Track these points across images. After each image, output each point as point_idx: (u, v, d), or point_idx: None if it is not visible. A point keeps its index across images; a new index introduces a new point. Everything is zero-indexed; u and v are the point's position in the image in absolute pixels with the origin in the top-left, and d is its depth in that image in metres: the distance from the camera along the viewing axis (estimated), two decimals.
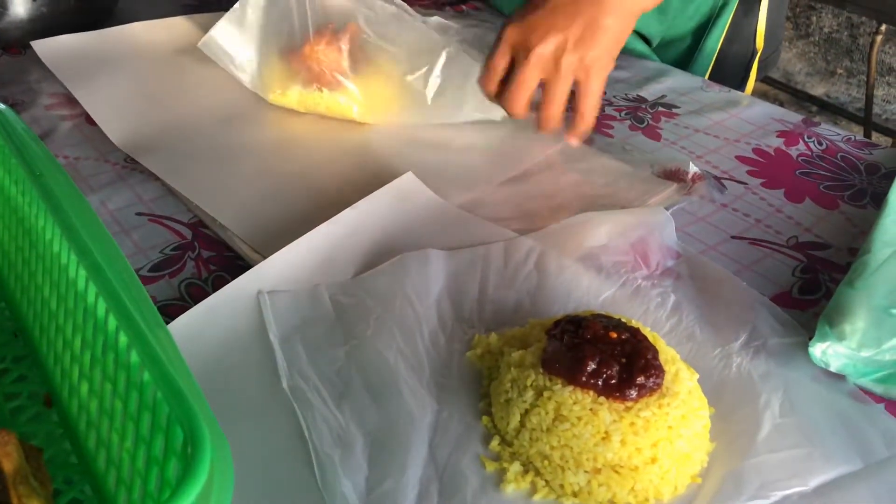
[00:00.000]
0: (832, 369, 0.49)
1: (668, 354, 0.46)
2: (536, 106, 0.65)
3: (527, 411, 0.44)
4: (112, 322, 0.35)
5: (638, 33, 0.93)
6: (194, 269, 0.57)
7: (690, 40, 0.95)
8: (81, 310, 0.38)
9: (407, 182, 0.64)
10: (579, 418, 0.42)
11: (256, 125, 0.75)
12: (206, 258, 0.58)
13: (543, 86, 0.65)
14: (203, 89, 0.80)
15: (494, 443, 0.45)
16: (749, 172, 0.70)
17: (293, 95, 0.73)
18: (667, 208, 0.62)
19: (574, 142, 0.67)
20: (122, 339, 0.34)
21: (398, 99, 0.74)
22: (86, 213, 0.41)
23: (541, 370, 0.45)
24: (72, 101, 0.76)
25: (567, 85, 0.63)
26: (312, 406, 0.46)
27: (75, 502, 0.40)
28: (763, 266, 0.59)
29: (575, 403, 0.43)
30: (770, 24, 0.97)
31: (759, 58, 0.99)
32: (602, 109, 0.80)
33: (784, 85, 2.14)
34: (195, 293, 0.55)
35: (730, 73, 0.95)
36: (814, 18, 2.17)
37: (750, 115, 0.79)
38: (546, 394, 0.43)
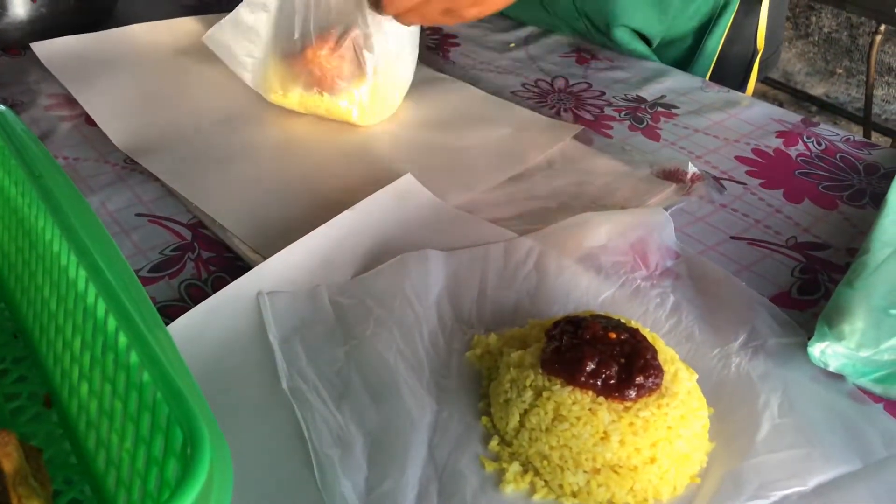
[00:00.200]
0: (831, 369, 0.49)
1: (668, 354, 0.46)
2: None
3: (526, 411, 0.44)
4: (112, 323, 0.35)
5: (638, 33, 0.93)
6: (194, 270, 0.57)
7: (691, 40, 0.95)
8: (81, 310, 0.38)
9: (406, 183, 0.64)
10: (578, 418, 0.42)
11: (256, 126, 0.75)
12: (206, 259, 0.59)
13: None
14: (203, 90, 0.80)
15: (494, 443, 0.45)
16: (748, 173, 0.70)
17: (294, 97, 0.74)
18: (666, 208, 0.62)
19: None
20: (122, 339, 0.34)
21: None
22: (85, 213, 0.41)
23: (540, 370, 0.45)
24: (71, 101, 0.77)
25: None
26: (312, 406, 0.46)
27: (75, 502, 0.40)
28: (762, 266, 0.59)
29: (574, 403, 0.43)
30: (771, 24, 0.97)
31: (760, 58, 0.99)
32: (601, 109, 0.80)
33: (784, 85, 2.14)
34: (195, 294, 0.55)
35: (730, 73, 0.95)
36: (813, 18, 2.18)
37: (749, 116, 0.80)
38: (545, 394, 0.43)
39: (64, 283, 0.40)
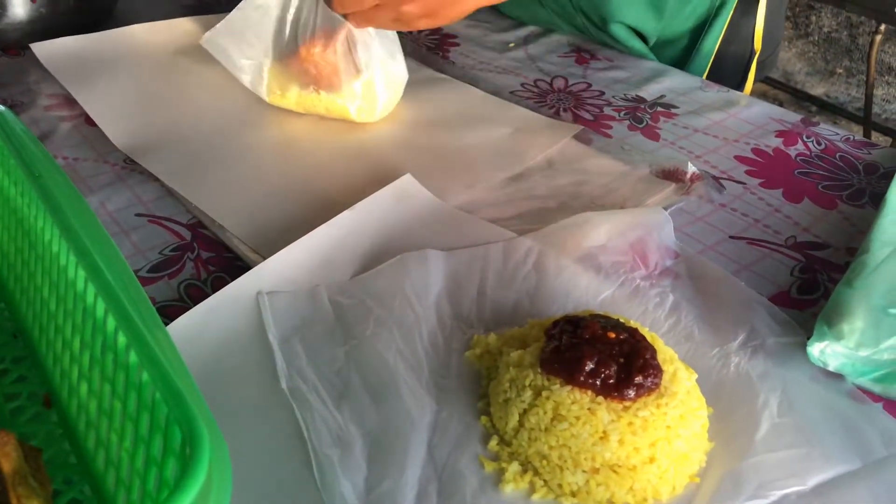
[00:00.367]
0: (830, 369, 0.49)
1: (667, 354, 0.46)
2: None
3: (525, 411, 0.44)
4: (111, 322, 0.35)
5: (635, 31, 0.93)
6: (193, 270, 0.57)
7: (687, 41, 0.95)
8: (80, 310, 0.38)
9: (406, 183, 0.64)
10: (577, 418, 0.42)
11: (256, 126, 0.75)
12: (206, 259, 0.59)
13: None
14: (203, 90, 0.80)
15: (493, 443, 0.45)
16: (748, 172, 0.70)
17: (292, 97, 0.74)
18: (665, 208, 0.62)
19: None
20: (121, 339, 0.34)
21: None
22: (85, 213, 0.41)
23: (539, 370, 0.45)
24: (71, 102, 0.77)
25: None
26: (311, 406, 0.46)
27: (74, 502, 0.40)
28: (761, 266, 0.59)
29: (573, 403, 0.43)
30: (768, 25, 0.97)
31: (758, 59, 0.99)
32: (601, 109, 0.80)
33: (783, 85, 2.14)
34: (194, 294, 0.55)
35: (728, 74, 0.95)
36: (813, 18, 2.18)
37: (749, 115, 0.80)
38: (544, 393, 0.43)
39: (63, 283, 0.40)
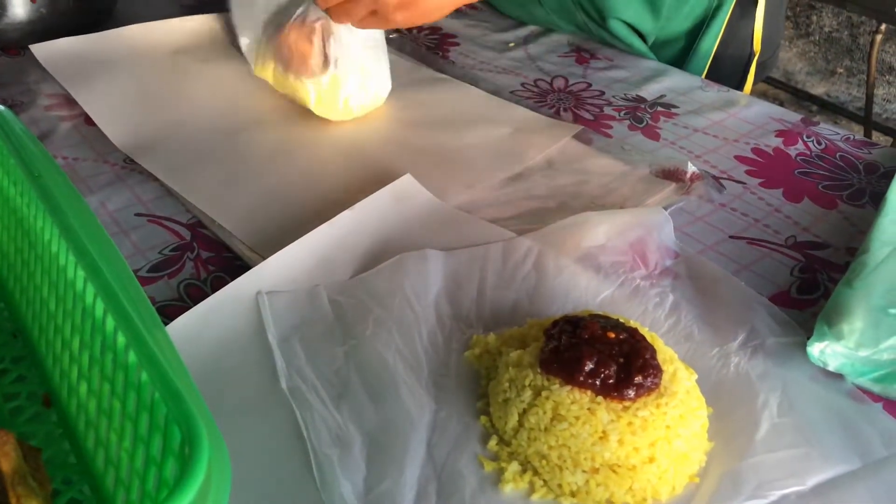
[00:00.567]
0: (830, 369, 0.49)
1: (667, 354, 0.46)
2: None
3: (525, 411, 0.44)
4: (110, 322, 0.35)
5: (634, 29, 0.92)
6: (193, 270, 0.57)
7: (685, 42, 0.95)
8: (80, 310, 0.38)
9: (405, 183, 0.64)
10: (577, 418, 0.42)
11: (256, 126, 0.75)
12: (205, 259, 0.59)
13: None
14: (202, 90, 0.80)
15: (492, 442, 0.45)
16: (748, 172, 0.70)
17: (268, 72, 0.75)
18: (665, 208, 0.62)
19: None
20: (120, 339, 0.34)
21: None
22: (84, 213, 0.41)
23: (539, 370, 0.45)
24: (70, 101, 0.77)
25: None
26: (311, 406, 0.46)
27: (74, 502, 0.40)
28: (761, 266, 0.59)
29: (573, 403, 0.43)
30: (767, 26, 0.97)
31: (757, 61, 0.98)
32: (601, 109, 0.80)
33: (784, 84, 2.14)
34: (194, 294, 0.55)
35: (726, 75, 0.94)
36: (814, 18, 2.18)
37: (749, 115, 0.79)
38: (544, 393, 0.43)
39: (62, 282, 0.40)
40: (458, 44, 0.94)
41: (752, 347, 0.51)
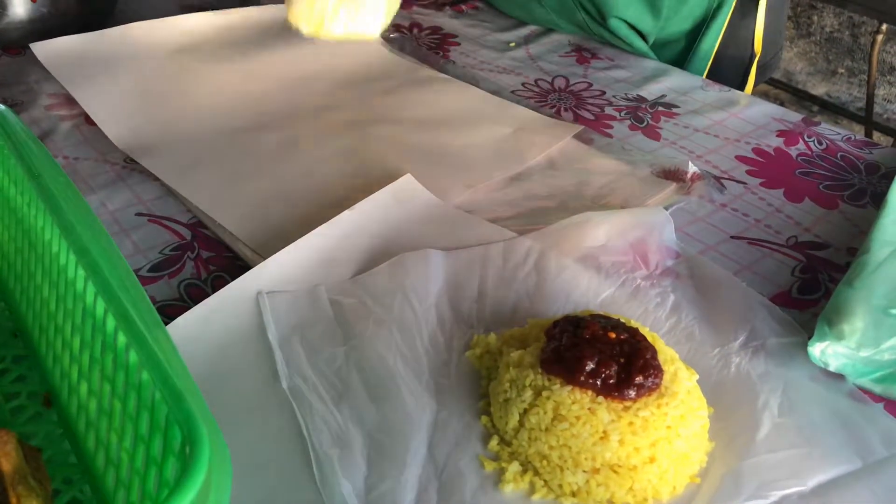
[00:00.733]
0: (831, 369, 0.49)
1: (667, 354, 0.46)
2: None
3: (525, 411, 0.44)
4: (110, 322, 0.35)
5: (635, 29, 0.92)
6: (194, 270, 0.57)
7: (685, 42, 0.95)
8: (80, 310, 0.38)
9: (406, 183, 0.64)
10: (578, 418, 0.42)
11: (256, 126, 0.75)
12: (206, 259, 0.59)
13: None
14: (203, 90, 0.80)
15: (493, 442, 0.45)
16: (748, 172, 0.70)
17: None
18: (666, 208, 0.62)
19: None
20: (121, 339, 0.34)
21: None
22: (85, 213, 0.41)
23: (539, 370, 0.45)
24: (71, 101, 0.77)
25: None
26: (311, 406, 0.46)
27: (74, 502, 0.40)
28: (762, 266, 0.59)
29: (573, 403, 0.43)
30: (769, 28, 0.97)
31: (758, 62, 0.98)
32: (602, 109, 0.80)
33: (785, 84, 2.13)
34: (194, 294, 0.55)
35: (727, 76, 0.94)
36: (815, 18, 2.17)
37: (750, 115, 0.79)
38: (545, 393, 0.43)
39: (63, 282, 0.40)
40: (458, 43, 0.94)
41: (752, 348, 0.51)
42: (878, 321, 0.49)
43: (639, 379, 0.43)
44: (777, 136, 0.76)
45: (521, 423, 0.44)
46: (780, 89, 2.13)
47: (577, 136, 0.73)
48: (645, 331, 0.47)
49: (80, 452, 0.41)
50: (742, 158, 0.72)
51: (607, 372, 0.43)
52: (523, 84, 0.85)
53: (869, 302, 0.50)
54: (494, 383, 0.47)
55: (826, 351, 0.49)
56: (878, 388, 0.49)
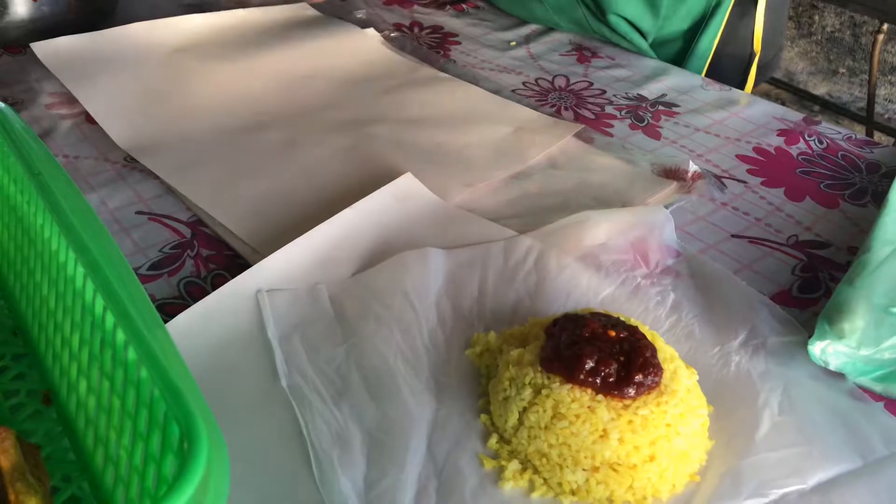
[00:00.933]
0: (831, 368, 0.49)
1: (667, 353, 0.46)
2: None
3: (525, 409, 0.44)
4: (110, 320, 0.35)
5: (634, 26, 0.92)
6: (193, 268, 0.57)
7: (684, 41, 0.95)
8: (79, 307, 0.38)
9: (406, 182, 0.64)
10: (577, 416, 0.42)
11: (256, 125, 0.75)
12: (206, 257, 0.59)
13: None
14: (203, 89, 0.80)
15: (493, 441, 0.45)
16: (749, 171, 0.70)
17: None
18: (666, 207, 0.62)
19: None
20: (120, 336, 0.34)
21: None
22: (84, 211, 0.41)
23: (539, 368, 0.44)
24: (72, 100, 0.77)
25: None
26: (311, 404, 0.46)
27: (73, 499, 0.40)
28: (763, 265, 0.59)
29: (573, 401, 0.42)
30: (769, 28, 0.97)
31: (758, 62, 0.98)
32: (602, 108, 0.80)
33: (786, 84, 2.13)
34: (194, 292, 0.55)
35: (726, 75, 0.94)
36: (816, 17, 2.17)
37: (750, 114, 0.79)
38: (544, 392, 0.43)
39: (62, 280, 0.40)
40: (459, 42, 0.94)
41: (753, 346, 0.50)
42: (879, 320, 0.49)
43: (638, 377, 0.43)
44: (778, 135, 0.76)
45: (520, 422, 0.44)
46: (782, 89, 2.13)
47: (578, 136, 0.73)
48: (645, 329, 0.47)
49: (80, 450, 0.41)
50: (743, 157, 0.72)
51: (607, 370, 0.43)
52: (524, 83, 0.85)
53: (869, 301, 0.50)
54: (494, 381, 0.47)
55: (826, 350, 0.49)
56: (878, 387, 0.49)
